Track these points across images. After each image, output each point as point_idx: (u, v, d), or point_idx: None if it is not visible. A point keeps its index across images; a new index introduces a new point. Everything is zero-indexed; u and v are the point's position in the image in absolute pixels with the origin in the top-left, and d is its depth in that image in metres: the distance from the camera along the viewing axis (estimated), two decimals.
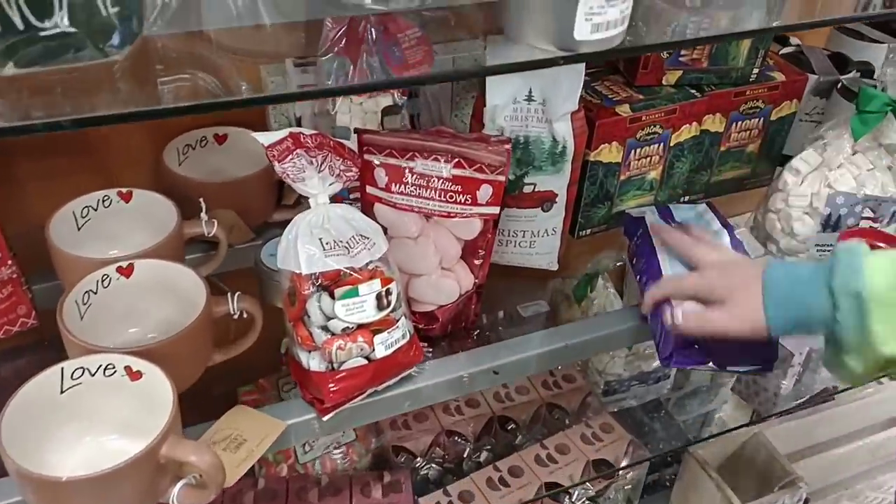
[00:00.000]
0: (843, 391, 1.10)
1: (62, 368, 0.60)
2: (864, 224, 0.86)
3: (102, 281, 0.69)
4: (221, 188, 0.82)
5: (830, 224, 0.86)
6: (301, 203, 0.89)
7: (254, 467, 0.89)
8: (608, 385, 1.18)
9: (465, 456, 0.93)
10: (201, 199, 0.77)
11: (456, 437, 0.93)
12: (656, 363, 1.20)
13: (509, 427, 0.96)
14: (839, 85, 0.99)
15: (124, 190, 0.79)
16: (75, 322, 0.66)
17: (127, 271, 0.70)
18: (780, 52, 1.05)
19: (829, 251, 0.87)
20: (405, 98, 0.80)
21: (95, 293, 0.69)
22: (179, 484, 0.59)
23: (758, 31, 0.68)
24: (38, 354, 0.76)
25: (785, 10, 0.69)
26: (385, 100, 0.80)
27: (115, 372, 0.61)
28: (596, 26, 0.49)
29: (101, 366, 0.61)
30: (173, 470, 0.58)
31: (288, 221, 0.87)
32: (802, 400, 1.27)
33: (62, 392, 0.61)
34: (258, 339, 0.74)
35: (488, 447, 0.94)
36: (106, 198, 0.78)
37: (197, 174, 0.83)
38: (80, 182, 0.79)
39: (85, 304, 0.68)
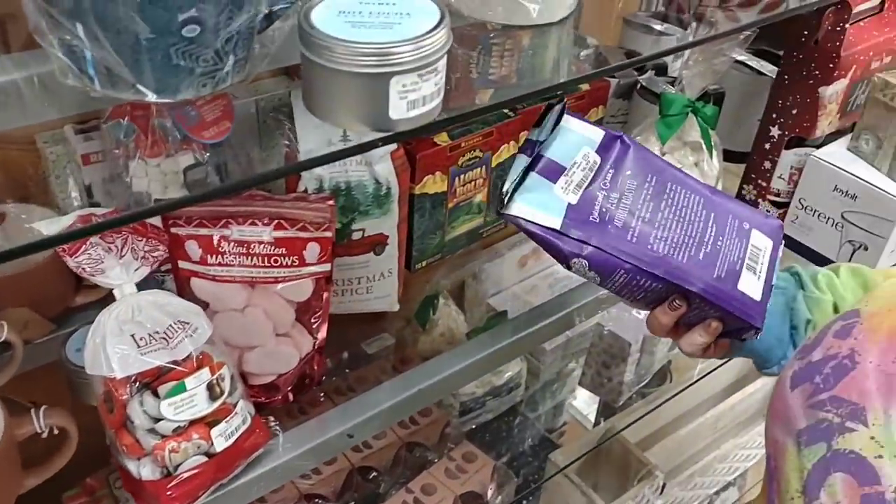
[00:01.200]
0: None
1: None
2: None
3: None
4: (10, 283, 0.71)
5: None
6: None
7: None
8: (463, 405, 1.17)
9: None
10: None
11: (317, 501, 0.88)
12: (507, 375, 1.21)
13: (371, 476, 0.92)
14: (638, 86, 1.02)
15: None
16: None
17: None
18: (580, 55, 1.07)
19: None
20: (207, 154, 0.73)
21: None
22: None
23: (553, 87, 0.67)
24: None
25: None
26: (186, 158, 0.72)
27: None
28: (412, 103, 0.45)
29: None
30: None
31: (92, 304, 0.79)
32: (644, 382, 1.33)
33: None
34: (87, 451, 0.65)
35: (352, 503, 0.90)
36: None
37: None
38: None
39: None
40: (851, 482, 0.37)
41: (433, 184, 0.84)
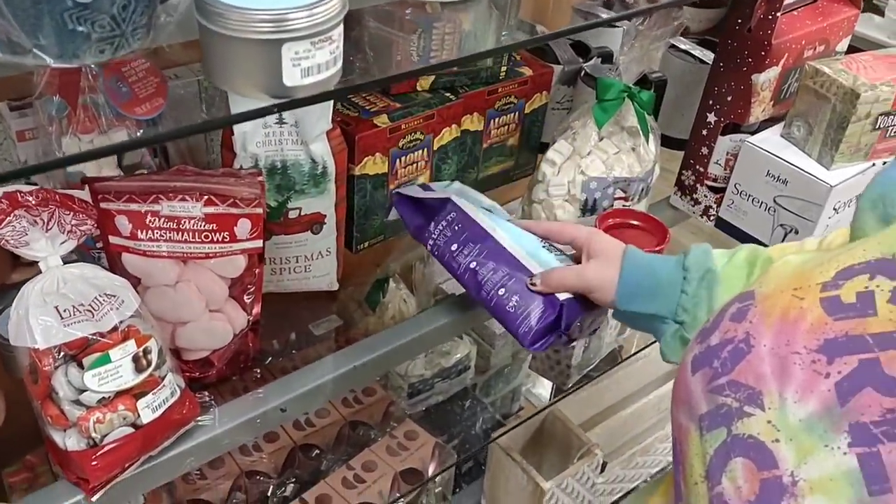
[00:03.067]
0: (630, 357, 1.18)
1: None
2: (618, 204, 0.91)
3: None
4: None
5: (588, 208, 0.91)
6: None
7: None
8: (412, 387, 1.18)
9: (269, 494, 0.89)
10: None
11: (258, 477, 0.89)
12: (455, 357, 1.22)
13: (313, 454, 0.93)
14: (582, 73, 1.04)
15: None
16: None
17: None
18: (527, 43, 1.09)
19: None
20: (141, 131, 0.74)
21: None
22: None
23: (495, 51, 0.69)
24: None
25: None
26: (119, 135, 0.73)
27: None
28: (305, 70, 0.46)
29: None
30: None
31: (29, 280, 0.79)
32: (593, 366, 1.35)
33: None
34: (14, 412, 0.66)
35: (293, 480, 0.91)
36: None
37: None
38: None
39: None
40: (751, 467, 0.37)
41: (373, 165, 0.85)
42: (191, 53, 0.61)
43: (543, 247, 0.78)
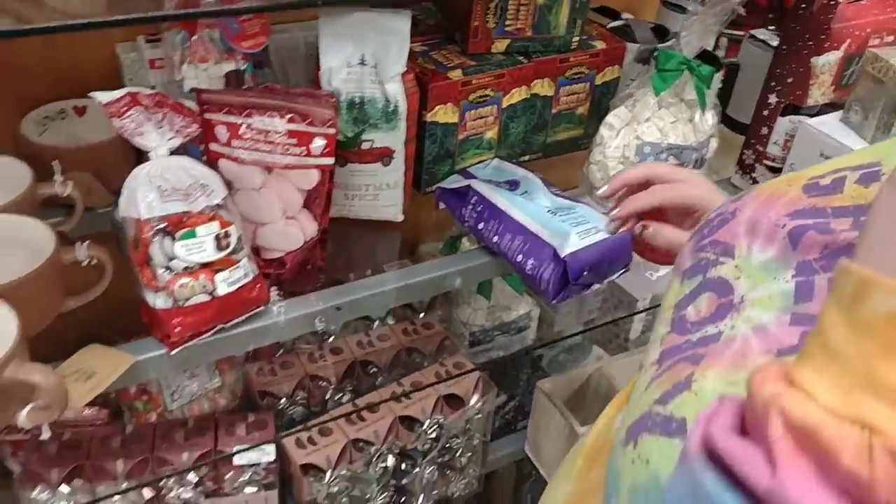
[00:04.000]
0: None
1: None
2: None
3: None
4: (77, 153, 0.87)
5: None
6: None
7: (124, 416, 0.95)
8: (473, 336, 1.28)
9: (327, 398, 1.01)
10: (55, 162, 0.82)
11: (319, 381, 1.01)
12: (515, 313, 1.31)
13: (370, 370, 1.04)
14: (655, 53, 1.10)
15: None
16: None
17: None
18: (609, 26, 1.16)
19: None
20: (246, 63, 0.87)
21: None
22: (27, 408, 0.65)
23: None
24: None
25: None
26: (228, 65, 0.87)
27: None
28: None
29: None
30: (20, 394, 0.64)
31: None
32: (643, 347, 1.40)
33: None
34: (125, 298, 0.80)
35: (350, 388, 1.02)
36: None
37: (57, 143, 0.89)
38: None
39: None
40: (713, 296, 0.44)
41: (444, 114, 0.95)
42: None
43: (549, 212, 0.89)
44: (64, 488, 0.85)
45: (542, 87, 1.03)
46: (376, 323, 1.11)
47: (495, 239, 0.89)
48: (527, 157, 1.08)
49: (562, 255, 0.83)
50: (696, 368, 0.39)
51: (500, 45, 0.99)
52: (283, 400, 0.99)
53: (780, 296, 0.40)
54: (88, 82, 0.95)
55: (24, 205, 0.79)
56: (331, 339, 1.07)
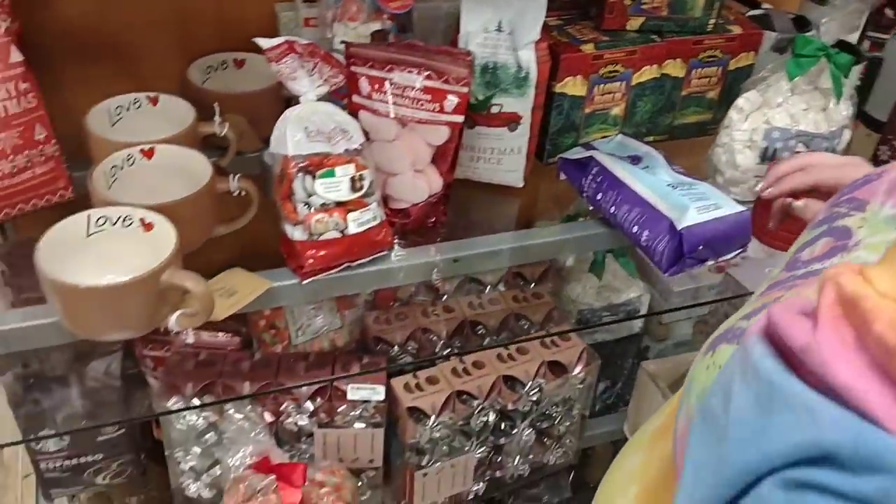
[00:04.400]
0: None
1: (88, 215, 0.74)
2: None
3: (127, 159, 0.83)
4: (234, 99, 0.96)
5: (767, 156, 0.97)
6: None
7: (252, 344, 1.03)
8: (581, 314, 1.29)
9: (436, 351, 1.06)
10: (215, 104, 0.91)
11: (430, 335, 1.06)
12: (626, 297, 1.32)
13: (479, 331, 1.08)
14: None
15: (152, 94, 0.93)
16: (102, 191, 0.80)
17: (149, 153, 0.84)
18: (748, 14, 1.15)
19: None
20: (391, 23, 0.93)
21: (121, 169, 0.83)
22: (177, 312, 0.73)
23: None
24: None
25: None
26: (375, 25, 0.93)
27: (131, 223, 0.75)
28: None
29: (120, 216, 0.75)
30: (172, 299, 0.72)
31: None
32: None
33: (88, 235, 0.75)
34: (263, 233, 0.87)
35: (458, 345, 1.07)
36: (136, 100, 0.93)
37: (217, 89, 0.98)
38: (112, 89, 0.93)
39: (112, 178, 0.82)
40: (830, 240, 0.46)
41: (573, 86, 0.98)
42: None
43: (669, 185, 0.90)
44: (195, 400, 0.94)
45: (674, 68, 1.04)
46: (488, 287, 1.15)
47: (612, 209, 0.91)
48: (651, 138, 1.10)
49: (678, 228, 0.84)
50: (787, 293, 0.41)
51: (635, 23, 1.01)
52: (396, 348, 1.04)
53: (891, 243, 0.42)
54: (249, 37, 1.05)
55: (187, 139, 0.88)
56: (444, 298, 1.11)
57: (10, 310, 0.77)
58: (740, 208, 0.88)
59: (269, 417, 0.98)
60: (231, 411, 0.95)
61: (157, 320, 0.73)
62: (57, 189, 0.86)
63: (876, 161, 1.05)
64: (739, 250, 0.89)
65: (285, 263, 0.84)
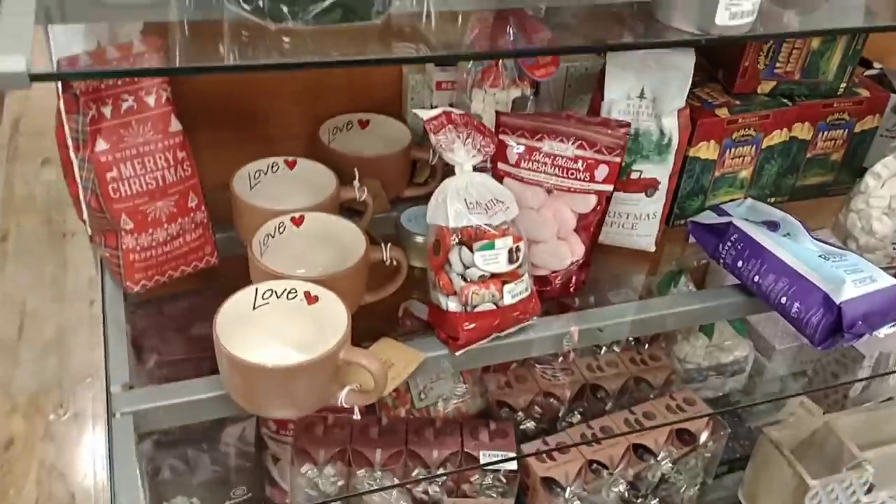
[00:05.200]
0: None
1: (256, 289, 0.74)
2: None
3: (279, 227, 0.83)
4: (368, 163, 0.96)
5: None
6: (429, 183, 1.02)
7: (376, 408, 1.02)
8: (686, 373, 1.27)
9: (559, 415, 1.04)
10: (355, 169, 0.91)
11: (552, 399, 1.04)
12: (733, 356, 1.29)
13: (599, 395, 1.06)
14: None
15: (290, 159, 0.93)
16: (258, 260, 0.80)
17: (298, 221, 0.84)
18: (864, 74, 1.14)
19: None
20: (532, 90, 0.93)
21: (273, 237, 0.83)
22: (346, 389, 0.72)
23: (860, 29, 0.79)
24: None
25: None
26: (515, 92, 0.93)
27: (296, 296, 0.75)
28: (733, 14, 0.60)
29: (286, 289, 0.75)
30: (342, 376, 0.71)
31: (418, 197, 1.01)
32: (869, 405, 1.34)
33: (254, 308, 0.74)
34: (381, 303, 0.87)
35: (580, 410, 1.05)
36: (274, 164, 0.93)
37: (348, 152, 0.98)
38: (242, 152, 0.93)
39: (264, 245, 0.82)
40: None
41: (706, 150, 0.97)
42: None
43: (820, 256, 0.88)
44: (329, 469, 0.93)
45: (802, 131, 1.03)
46: (603, 349, 1.13)
47: (756, 278, 0.90)
48: (773, 200, 1.08)
49: (837, 302, 0.82)
50: None
51: (766, 87, 1.00)
52: (520, 413, 1.03)
53: None
54: (374, 99, 1.05)
55: (329, 206, 0.88)
56: (560, 360, 1.10)
57: (174, 382, 0.76)
58: (895, 281, 0.86)
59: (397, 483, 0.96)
60: (362, 478, 0.94)
61: (327, 397, 0.72)
62: (204, 255, 0.86)
63: None
64: (893, 323, 0.87)
65: (435, 334, 0.83)
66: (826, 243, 0.92)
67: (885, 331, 0.97)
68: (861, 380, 1.24)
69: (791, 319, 0.87)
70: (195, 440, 0.91)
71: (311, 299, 0.75)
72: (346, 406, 0.72)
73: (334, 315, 0.73)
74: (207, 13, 0.54)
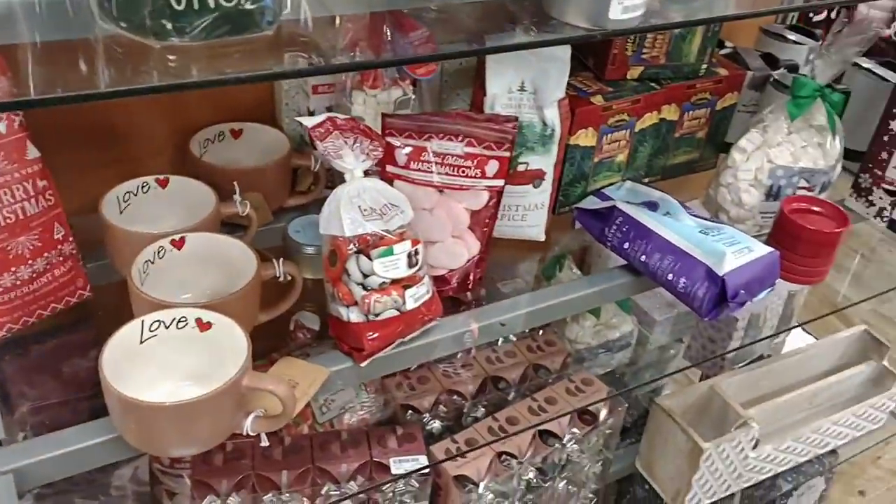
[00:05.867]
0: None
1: (142, 321, 0.69)
2: (800, 192, 1.01)
3: (158, 252, 0.77)
4: (246, 174, 0.91)
5: (772, 194, 1.01)
6: (312, 190, 0.99)
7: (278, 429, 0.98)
8: (577, 353, 1.30)
9: (464, 411, 1.04)
10: (235, 183, 0.86)
11: (456, 396, 1.04)
12: (619, 332, 1.34)
13: (501, 386, 1.07)
14: (771, 79, 1.14)
15: (161, 177, 0.87)
16: (139, 290, 0.74)
17: (179, 243, 0.79)
18: (719, 53, 1.21)
19: (771, 217, 1.01)
20: (413, 89, 0.91)
21: (152, 263, 0.77)
22: (251, 416, 0.68)
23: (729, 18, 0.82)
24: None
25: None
26: (397, 92, 0.91)
27: (186, 324, 0.70)
28: (625, 8, 0.61)
29: (174, 318, 0.69)
30: (246, 404, 0.67)
31: (301, 206, 0.98)
32: (743, 364, 1.43)
33: (141, 342, 0.69)
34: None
35: (484, 403, 1.05)
36: (145, 184, 0.86)
37: (224, 164, 0.92)
38: (110, 175, 0.86)
39: (144, 273, 0.76)
40: None
41: (585, 137, 0.99)
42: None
43: (701, 232, 0.92)
44: (233, 498, 0.88)
45: (670, 112, 1.07)
46: (500, 340, 1.14)
47: (643, 258, 0.93)
48: (647, 179, 1.12)
49: (720, 274, 0.86)
50: None
51: (635, 72, 1.03)
52: (426, 415, 1.01)
53: None
54: (245, 107, 1.00)
55: (209, 225, 0.83)
56: (459, 356, 1.10)
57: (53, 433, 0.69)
58: (769, 249, 0.91)
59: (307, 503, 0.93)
60: (270, 503, 0.90)
61: (232, 428, 0.68)
62: (76, 290, 0.79)
63: (858, 188, 1.11)
64: (770, 288, 0.92)
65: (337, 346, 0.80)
66: (703, 218, 0.96)
67: (760, 296, 1.03)
68: (756, 342, 1.31)
69: (679, 294, 0.90)
70: (81, 489, 0.84)
71: (203, 326, 0.70)
72: (252, 434, 0.68)
73: (231, 340, 0.68)
74: (71, 32, 0.49)
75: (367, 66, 0.73)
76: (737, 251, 0.88)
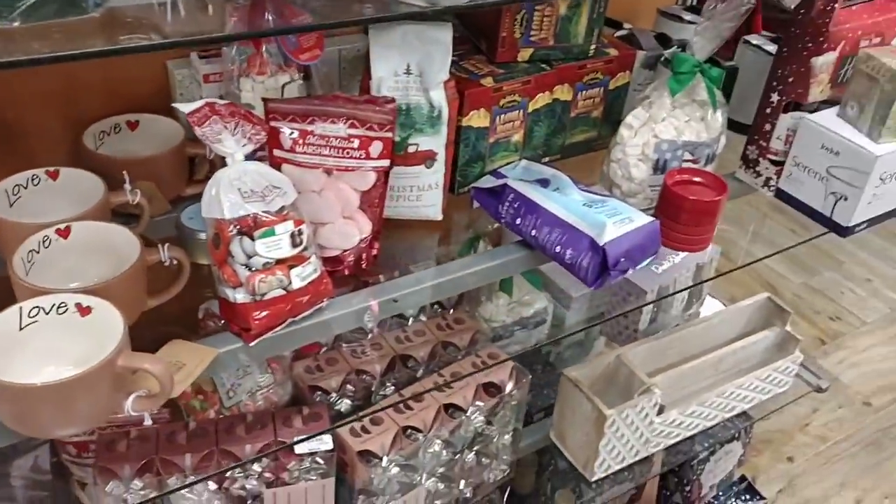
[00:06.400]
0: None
1: (20, 307, 0.70)
2: (686, 165, 1.05)
3: (43, 242, 0.78)
4: (138, 164, 0.92)
5: (659, 167, 1.05)
6: (209, 178, 1.00)
7: (184, 413, 0.99)
8: (494, 331, 1.34)
9: (373, 390, 1.06)
10: (125, 172, 0.87)
11: (364, 376, 1.06)
12: (533, 309, 1.38)
13: (410, 364, 1.10)
14: (662, 58, 1.19)
15: (51, 169, 0.88)
16: (23, 280, 0.75)
17: (65, 233, 0.80)
18: (616, 35, 1.24)
19: (657, 190, 1.05)
20: (300, 75, 0.93)
21: (38, 252, 0.78)
22: (132, 396, 0.70)
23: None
24: None
25: None
26: (284, 77, 0.92)
27: (66, 309, 0.71)
28: None
29: (54, 304, 0.71)
30: (128, 384, 0.69)
31: (199, 195, 0.99)
32: (657, 335, 1.48)
33: (21, 329, 0.70)
34: (177, 307, 0.85)
35: (393, 381, 1.08)
36: (35, 176, 0.87)
37: (118, 155, 0.93)
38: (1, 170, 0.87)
39: (29, 262, 0.77)
40: None
41: (478, 119, 1.02)
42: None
43: (585, 205, 0.96)
44: (137, 483, 0.89)
45: (563, 93, 1.10)
46: (410, 320, 1.16)
47: (533, 232, 0.96)
48: (547, 159, 1.16)
49: (601, 244, 0.90)
50: None
51: (525, 54, 1.07)
52: (333, 394, 1.04)
53: None
54: (140, 98, 1.01)
55: (98, 214, 0.84)
56: (370, 336, 1.12)
57: None
58: (650, 219, 0.95)
59: (213, 486, 0.95)
60: (174, 486, 0.91)
61: (112, 408, 0.69)
62: None
63: (746, 160, 1.16)
64: (652, 256, 0.96)
65: (228, 328, 0.82)
66: (592, 192, 1.00)
67: (662, 267, 1.07)
68: (636, 308, 1.36)
69: (566, 265, 0.94)
70: None
71: (84, 311, 0.71)
72: (134, 413, 0.70)
73: (110, 323, 0.70)
74: None
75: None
76: (617, 221, 0.92)
